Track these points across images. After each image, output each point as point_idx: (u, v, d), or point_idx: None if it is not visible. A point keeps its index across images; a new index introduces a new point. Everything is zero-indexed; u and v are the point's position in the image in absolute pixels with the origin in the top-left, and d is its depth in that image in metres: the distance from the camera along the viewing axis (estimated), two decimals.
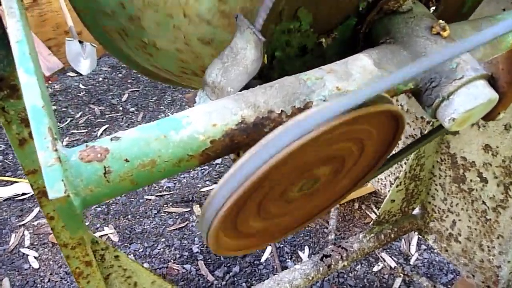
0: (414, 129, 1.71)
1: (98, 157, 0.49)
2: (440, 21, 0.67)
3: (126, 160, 0.50)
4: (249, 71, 0.64)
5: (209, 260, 2.17)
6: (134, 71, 4.00)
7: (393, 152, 0.76)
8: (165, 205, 2.52)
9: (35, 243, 2.30)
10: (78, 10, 0.92)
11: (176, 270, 2.13)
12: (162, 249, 2.25)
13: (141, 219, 2.43)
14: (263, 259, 2.17)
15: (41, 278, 2.11)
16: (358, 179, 0.72)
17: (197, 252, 2.22)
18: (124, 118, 3.36)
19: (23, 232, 2.36)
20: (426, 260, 2.15)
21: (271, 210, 0.65)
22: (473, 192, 1.51)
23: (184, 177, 2.72)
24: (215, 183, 2.68)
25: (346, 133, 0.57)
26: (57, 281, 2.09)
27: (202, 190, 2.63)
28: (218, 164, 2.81)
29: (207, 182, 2.68)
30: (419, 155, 1.57)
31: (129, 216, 2.46)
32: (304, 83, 0.59)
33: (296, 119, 0.50)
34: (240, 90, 0.64)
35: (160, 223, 2.41)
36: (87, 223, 2.39)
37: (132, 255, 2.21)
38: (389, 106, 0.55)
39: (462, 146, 1.48)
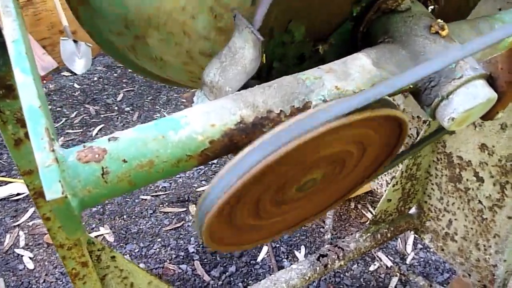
0: (410, 128, 1.71)
1: (96, 157, 0.48)
2: (439, 20, 0.67)
3: (124, 161, 0.50)
4: (247, 71, 0.64)
5: (205, 260, 2.17)
6: (130, 70, 3.99)
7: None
8: (161, 205, 2.51)
9: (30, 244, 2.29)
10: (87, 31, 0.96)
11: (172, 270, 2.12)
12: (158, 249, 2.24)
13: (137, 219, 2.42)
14: (259, 258, 2.17)
15: (36, 279, 2.09)
16: (358, 182, 0.71)
17: (193, 252, 2.21)
18: (120, 117, 3.35)
19: (18, 232, 2.35)
20: (422, 259, 2.16)
21: (268, 208, 0.65)
22: (469, 191, 1.51)
23: (180, 177, 2.71)
24: None
25: (348, 136, 0.57)
26: (52, 282, 2.08)
27: (198, 190, 2.62)
28: (214, 164, 2.81)
29: (203, 182, 2.68)
30: (416, 155, 1.57)
31: (125, 216, 2.45)
32: (303, 83, 0.59)
33: (296, 118, 0.50)
34: (239, 90, 0.63)
35: (156, 223, 2.40)
36: (82, 224, 2.38)
37: (128, 255, 2.21)
38: (393, 111, 0.55)
39: (458, 146, 1.48)
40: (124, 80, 3.88)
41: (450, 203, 1.61)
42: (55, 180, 0.43)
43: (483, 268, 1.57)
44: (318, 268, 1.57)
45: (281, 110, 0.57)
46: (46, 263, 2.18)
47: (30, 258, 2.20)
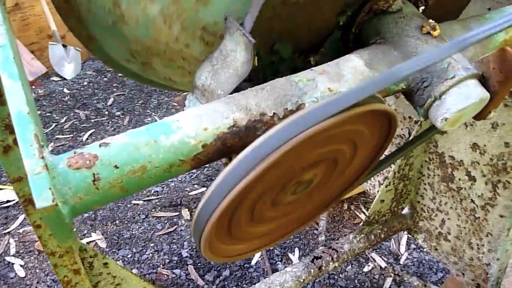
0: (402, 129, 1.72)
1: (86, 164, 0.48)
2: (430, 20, 0.67)
3: (116, 167, 0.49)
4: (239, 74, 0.63)
5: (199, 264, 2.16)
6: (120, 75, 3.96)
7: (386, 153, 0.75)
8: (153, 210, 2.50)
9: (21, 251, 2.26)
10: (102, 60, 1.05)
11: (165, 275, 2.11)
12: (151, 254, 2.22)
13: (129, 224, 2.41)
14: (253, 262, 2.16)
15: (28, 287, 2.07)
16: (352, 180, 0.71)
17: (186, 257, 2.20)
18: (110, 122, 3.32)
19: (8, 240, 2.32)
20: (415, 259, 2.16)
21: (265, 214, 0.64)
22: (461, 190, 1.52)
23: (172, 181, 2.70)
24: (204, 186, 2.66)
25: (338, 134, 0.57)
26: None
27: (190, 194, 2.61)
28: (206, 167, 2.79)
29: (196, 186, 2.66)
30: (408, 155, 1.57)
31: (117, 222, 2.43)
32: (296, 85, 0.58)
33: (287, 120, 0.50)
34: (231, 93, 0.63)
35: (149, 228, 2.38)
36: (74, 230, 2.35)
37: (120, 261, 2.19)
38: (381, 105, 0.54)
39: (450, 145, 1.49)
40: (114, 84, 3.86)
41: (442, 203, 1.62)
42: (45, 188, 0.42)
43: (477, 267, 1.57)
44: (312, 270, 1.57)
45: (274, 113, 0.56)
46: (37, 270, 2.15)
47: (21, 265, 2.18)
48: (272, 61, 0.72)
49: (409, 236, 2.08)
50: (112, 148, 0.50)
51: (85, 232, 2.37)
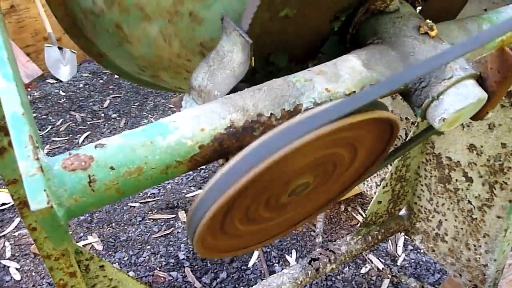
0: None
1: (82, 165, 0.47)
2: (428, 20, 0.67)
3: (112, 168, 0.48)
4: (236, 74, 0.63)
5: (196, 266, 2.15)
6: (116, 76, 3.94)
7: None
8: (149, 212, 2.49)
9: (17, 254, 2.24)
10: (114, 73, 1.12)
11: (162, 278, 2.10)
12: (147, 257, 2.21)
13: (126, 227, 2.39)
14: (250, 264, 2.15)
15: None
16: (350, 183, 0.71)
17: (183, 259, 2.19)
18: (106, 124, 3.31)
19: (4, 243, 2.30)
20: (413, 260, 2.16)
21: (260, 214, 0.64)
22: (458, 191, 1.51)
23: (168, 183, 2.69)
24: (200, 188, 2.65)
25: (339, 139, 0.56)
26: None
27: (187, 196, 2.60)
28: (202, 169, 2.79)
29: (192, 188, 2.66)
30: (405, 156, 1.57)
31: (113, 224, 2.41)
32: (293, 85, 0.58)
33: (286, 124, 0.49)
34: (228, 94, 0.62)
35: (145, 230, 2.37)
36: (70, 233, 2.34)
37: (117, 263, 2.18)
38: (387, 113, 0.54)
39: (447, 146, 1.49)
40: (110, 87, 3.85)
41: (439, 204, 1.62)
42: (40, 190, 0.42)
43: (474, 268, 1.57)
44: (309, 272, 1.56)
45: (271, 113, 0.56)
46: (33, 273, 2.14)
47: (17, 269, 2.16)
48: (269, 71, 0.72)
49: (406, 237, 2.08)
50: (108, 149, 0.49)
51: (81, 234, 2.36)
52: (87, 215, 2.47)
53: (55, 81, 3.92)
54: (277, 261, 2.17)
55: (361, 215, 2.41)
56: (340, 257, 1.63)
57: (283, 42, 0.70)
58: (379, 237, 1.74)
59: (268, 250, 2.22)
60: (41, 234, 0.91)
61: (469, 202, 1.49)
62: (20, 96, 0.49)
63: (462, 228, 1.56)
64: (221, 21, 0.64)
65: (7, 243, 2.30)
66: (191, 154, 0.52)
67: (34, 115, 3.41)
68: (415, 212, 1.75)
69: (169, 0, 0.70)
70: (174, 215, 2.46)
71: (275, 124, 0.56)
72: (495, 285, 1.57)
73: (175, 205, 2.54)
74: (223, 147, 0.54)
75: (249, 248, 0.72)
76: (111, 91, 3.78)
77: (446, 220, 1.61)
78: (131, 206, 2.52)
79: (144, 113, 3.45)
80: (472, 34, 0.74)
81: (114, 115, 3.43)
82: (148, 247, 2.27)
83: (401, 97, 1.64)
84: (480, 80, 0.65)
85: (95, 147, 0.49)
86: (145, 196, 2.60)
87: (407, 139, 1.67)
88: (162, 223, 2.41)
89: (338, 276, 2.08)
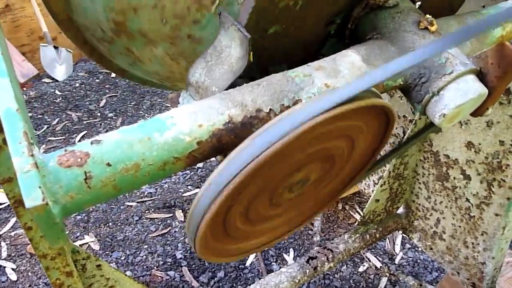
0: (396, 128, 1.71)
1: (78, 161, 0.46)
2: (427, 15, 0.66)
3: (108, 164, 0.47)
4: (234, 70, 0.62)
5: (193, 266, 2.14)
6: (112, 76, 3.92)
7: (381, 153, 0.75)
8: (146, 211, 2.47)
9: (13, 255, 2.23)
10: (140, 83, 1.19)
11: (159, 277, 2.09)
12: (145, 256, 2.20)
13: (123, 226, 2.38)
14: (248, 263, 2.15)
15: None
16: (350, 178, 0.70)
17: (180, 258, 2.18)
18: (103, 124, 3.30)
19: (0, 243, 2.29)
20: (410, 259, 2.16)
21: (261, 213, 0.63)
22: (456, 189, 1.51)
23: (165, 182, 2.68)
24: (198, 187, 2.64)
25: (335, 130, 0.56)
26: None
27: (184, 195, 2.59)
28: (200, 168, 2.78)
29: (189, 187, 2.65)
30: (403, 154, 1.56)
31: (110, 224, 2.40)
32: (292, 81, 0.57)
33: (281, 116, 0.48)
34: (226, 90, 0.61)
35: (142, 229, 2.36)
36: (66, 232, 2.33)
37: (114, 263, 2.16)
38: (378, 100, 0.53)
39: (445, 144, 1.48)
40: (106, 86, 3.83)
41: (437, 202, 1.61)
42: (34, 186, 0.41)
43: (472, 265, 1.57)
44: (307, 271, 1.55)
45: (270, 109, 0.55)
46: (29, 274, 2.12)
47: (13, 269, 2.15)
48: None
49: (404, 235, 2.08)
50: (105, 146, 0.48)
51: (78, 234, 2.34)
52: (84, 214, 2.46)
53: (51, 81, 3.90)
54: (274, 260, 2.17)
55: (359, 213, 2.40)
56: (338, 255, 1.63)
57: (280, 55, 0.71)
58: (377, 235, 1.74)
59: (266, 249, 2.22)
60: (36, 233, 0.90)
61: (467, 200, 1.48)
62: (15, 92, 0.48)
63: (460, 226, 1.55)
64: (218, 16, 0.63)
65: (3, 243, 2.28)
66: (189, 150, 0.51)
67: (30, 114, 3.39)
68: (413, 210, 1.75)
69: (167, 26, 0.74)
70: (171, 215, 2.45)
71: (272, 119, 0.55)
72: (493, 283, 1.57)
73: (172, 204, 2.53)
74: (221, 143, 0.53)
75: (251, 251, 0.71)
76: (107, 90, 3.76)
77: (444, 218, 1.61)
78: (128, 206, 2.51)
79: (140, 112, 3.44)
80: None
81: (110, 115, 3.41)
82: (145, 246, 2.25)
83: (399, 95, 1.64)
84: (481, 75, 0.64)
85: (91, 143, 0.48)
86: (142, 195, 2.59)
87: (404, 137, 1.67)
88: (159, 223, 2.40)
89: (336, 275, 2.07)
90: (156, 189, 2.63)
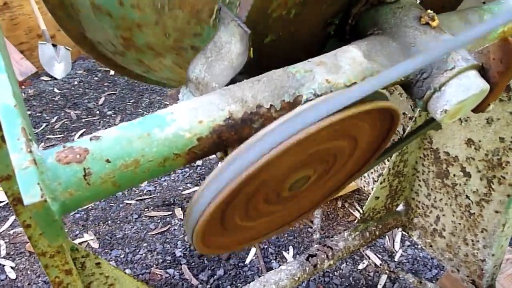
0: None
1: (77, 158, 0.46)
2: (429, 11, 0.66)
3: (108, 161, 0.47)
4: (234, 66, 0.62)
5: (193, 263, 2.13)
6: (111, 73, 3.91)
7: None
8: (146, 209, 2.47)
9: (12, 253, 2.22)
10: (160, 86, 1.23)
11: (159, 275, 2.08)
12: (144, 254, 2.20)
13: (122, 224, 2.38)
14: (247, 261, 2.14)
15: None
16: (350, 175, 0.70)
17: (180, 256, 2.18)
18: (102, 121, 3.29)
19: None
20: (410, 256, 2.16)
21: (260, 209, 0.63)
22: (456, 186, 1.51)
23: (164, 180, 2.67)
24: (197, 185, 2.64)
25: (340, 130, 0.55)
26: None
27: (183, 193, 2.58)
28: (199, 166, 2.77)
29: (188, 185, 2.64)
30: (402, 151, 1.56)
31: (109, 222, 2.40)
32: (293, 76, 0.57)
33: (286, 116, 0.48)
34: (226, 86, 0.61)
35: (142, 227, 2.35)
36: (65, 230, 2.32)
37: (113, 261, 2.16)
38: (388, 103, 0.53)
39: (445, 141, 1.48)
40: (105, 84, 3.82)
41: (437, 199, 1.61)
42: (33, 183, 0.40)
43: (472, 263, 1.57)
44: (307, 268, 1.55)
45: (271, 105, 0.55)
46: (28, 272, 2.12)
47: (12, 267, 2.14)
48: None
49: (404, 233, 2.07)
50: (104, 142, 0.48)
51: (77, 232, 2.34)
52: (83, 212, 2.45)
53: (50, 79, 3.89)
54: (274, 258, 2.16)
55: (358, 211, 2.40)
56: (337, 253, 1.63)
57: (280, 58, 0.70)
58: (377, 233, 1.73)
59: (265, 246, 2.22)
60: (35, 231, 0.89)
61: (467, 197, 1.48)
62: (12, 87, 0.48)
63: (460, 223, 1.55)
64: (218, 11, 0.62)
65: (2, 242, 2.28)
66: (189, 146, 0.51)
67: (29, 113, 3.38)
68: (412, 207, 1.74)
69: (170, 40, 0.76)
70: (171, 212, 2.45)
71: (274, 116, 0.54)
72: (493, 280, 1.57)
73: (172, 202, 2.52)
74: (221, 139, 0.52)
75: (247, 243, 0.71)
76: (106, 88, 3.75)
77: (443, 215, 1.61)
78: (127, 204, 2.51)
79: (139, 110, 3.43)
80: (473, 25, 0.73)
81: (109, 112, 3.40)
82: (145, 244, 2.25)
83: (398, 92, 1.63)
84: (482, 71, 0.64)
85: (90, 139, 0.48)
86: (141, 193, 2.59)
87: (404, 134, 1.66)
88: (159, 221, 2.39)
89: (335, 272, 2.07)
90: (155, 187, 2.63)
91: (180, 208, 2.47)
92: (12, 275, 2.10)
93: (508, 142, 1.28)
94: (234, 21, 0.60)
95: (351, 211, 2.41)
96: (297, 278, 1.54)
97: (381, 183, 1.62)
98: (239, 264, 2.13)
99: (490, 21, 0.55)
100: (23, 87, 3.71)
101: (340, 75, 0.59)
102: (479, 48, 0.64)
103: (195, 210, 0.51)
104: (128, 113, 3.39)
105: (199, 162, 2.80)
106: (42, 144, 3.03)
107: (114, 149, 0.47)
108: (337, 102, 0.47)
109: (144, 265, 2.14)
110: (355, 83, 0.59)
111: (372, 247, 2.21)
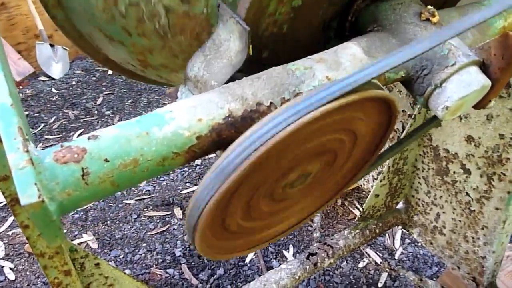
0: None
1: (75, 157, 0.45)
2: (429, 6, 0.65)
3: (106, 160, 0.46)
4: (233, 63, 0.61)
5: (193, 263, 2.13)
6: (109, 73, 3.90)
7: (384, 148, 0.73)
8: (145, 209, 2.46)
9: (11, 254, 2.21)
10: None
11: (159, 275, 2.08)
12: (143, 254, 2.19)
13: (121, 224, 2.37)
14: (247, 260, 2.14)
15: None
16: (353, 173, 0.69)
17: (180, 256, 2.17)
18: (100, 121, 3.28)
19: None
20: (410, 254, 2.15)
21: (261, 208, 0.62)
22: (456, 184, 1.50)
23: (163, 180, 2.66)
24: (196, 185, 2.63)
25: (336, 123, 0.54)
26: None
27: (182, 192, 2.58)
28: (198, 165, 2.77)
29: (188, 184, 2.63)
30: (402, 149, 1.56)
31: (108, 222, 2.39)
32: (293, 74, 0.56)
33: (281, 108, 0.47)
34: (225, 83, 0.60)
35: (141, 227, 2.35)
36: (64, 231, 2.31)
37: (113, 261, 2.15)
38: (378, 92, 0.52)
39: (445, 138, 1.47)
40: (103, 84, 3.81)
41: (437, 197, 1.61)
42: (30, 183, 0.40)
43: (472, 260, 1.56)
44: (308, 267, 1.55)
45: (271, 102, 0.54)
46: (27, 273, 2.11)
47: (11, 268, 2.13)
48: None
49: (404, 231, 2.07)
50: (102, 141, 0.47)
51: (76, 233, 2.33)
52: (82, 213, 2.44)
53: (47, 79, 3.88)
54: (274, 257, 2.16)
55: (358, 209, 2.40)
56: (338, 251, 1.62)
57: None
58: (377, 230, 1.73)
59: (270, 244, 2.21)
60: (34, 232, 0.88)
61: (467, 194, 1.48)
62: (9, 86, 0.47)
63: (460, 221, 1.55)
64: (217, 8, 0.62)
65: (0, 243, 2.27)
66: (188, 145, 0.50)
67: (26, 113, 3.37)
68: (412, 205, 1.74)
69: (179, 59, 0.82)
70: (170, 212, 2.44)
71: (272, 112, 0.54)
72: (494, 277, 1.56)
73: (171, 202, 2.51)
74: (221, 138, 0.52)
75: (251, 249, 0.70)
76: (104, 88, 3.74)
77: (444, 212, 1.60)
78: (126, 204, 2.50)
79: (138, 109, 3.42)
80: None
81: (107, 112, 3.39)
82: (144, 244, 2.24)
83: (398, 89, 1.62)
84: (483, 67, 0.63)
85: (88, 138, 0.47)
86: (140, 193, 2.58)
87: (404, 132, 1.66)
88: (158, 220, 2.39)
89: (336, 271, 2.07)
90: (154, 186, 2.62)
91: (179, 208, 2.47)
92: (11, 276, 2.09)
93: (508, 138, 1.27)
94: (233, 18, 0.59)
95: (351, 209, 2.41)
96: (297, 277, 1.53)
97: (380, 180, 1.61)
98: (239, 263, 2.12)
99: (485, 10, 0.54)
100: (20, 87, 3.69)
101: (341, 71, 0.58)
102: (480, 44, 0.64)
103: (193, 211, 0.51)
104: (127, 112, 3.38)
105: (198, 161, 2.80)
106: (40, 144, 3.02)
107: (112, 148, 0.47)
108: (325, 94, 0.47)
109: (143, 265, 2.13)
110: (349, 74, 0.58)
111: (372, 245, 2.21)
